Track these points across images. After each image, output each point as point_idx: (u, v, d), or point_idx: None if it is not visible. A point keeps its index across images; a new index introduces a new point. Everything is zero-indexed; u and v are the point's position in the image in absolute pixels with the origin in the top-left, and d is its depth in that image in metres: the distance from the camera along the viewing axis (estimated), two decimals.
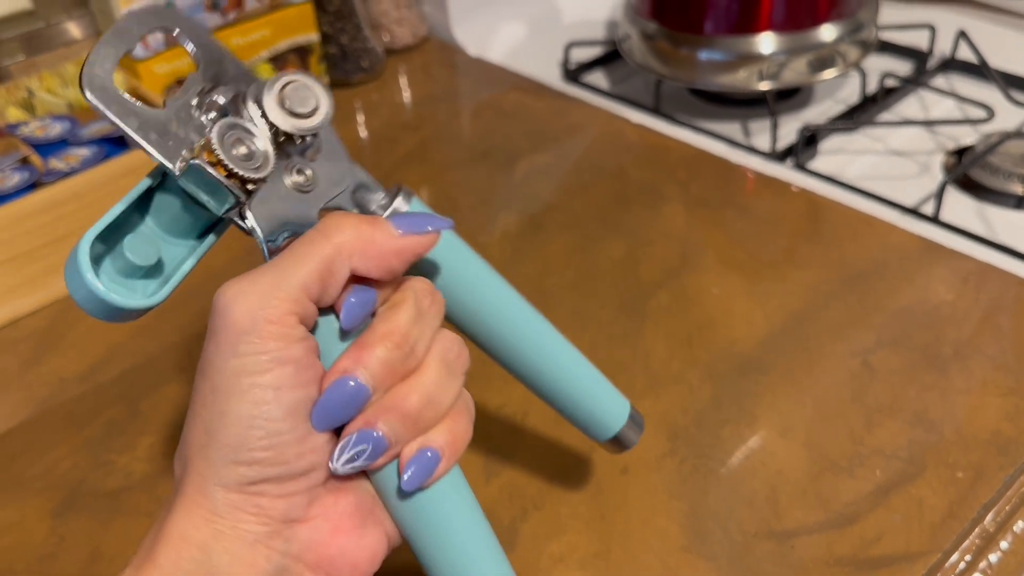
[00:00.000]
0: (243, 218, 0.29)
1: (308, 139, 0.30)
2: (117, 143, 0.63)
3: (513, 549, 0.42)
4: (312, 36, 0.78)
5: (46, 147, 0.62)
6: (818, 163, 0.68)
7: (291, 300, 0.26)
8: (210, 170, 0.28)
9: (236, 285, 0.26)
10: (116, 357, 0.55)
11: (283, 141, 0.30)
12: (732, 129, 0.73)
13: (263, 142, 0.29)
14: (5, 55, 0.72)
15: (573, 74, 0.82)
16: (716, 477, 0.45)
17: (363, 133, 0.77)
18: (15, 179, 0.58)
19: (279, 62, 0.76)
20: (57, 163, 0.60)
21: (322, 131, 0.31)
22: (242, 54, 0.73)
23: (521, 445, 0.47)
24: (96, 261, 0.29)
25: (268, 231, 0.29)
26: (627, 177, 0.67)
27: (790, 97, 0.77)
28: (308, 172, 0.31)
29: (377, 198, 0.33)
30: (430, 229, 0.30)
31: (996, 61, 0.74)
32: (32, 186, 0.58)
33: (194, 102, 0.29)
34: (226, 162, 0.28)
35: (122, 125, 0.27)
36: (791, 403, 0.48)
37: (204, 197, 0.29)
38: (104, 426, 0.51)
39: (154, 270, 0.31)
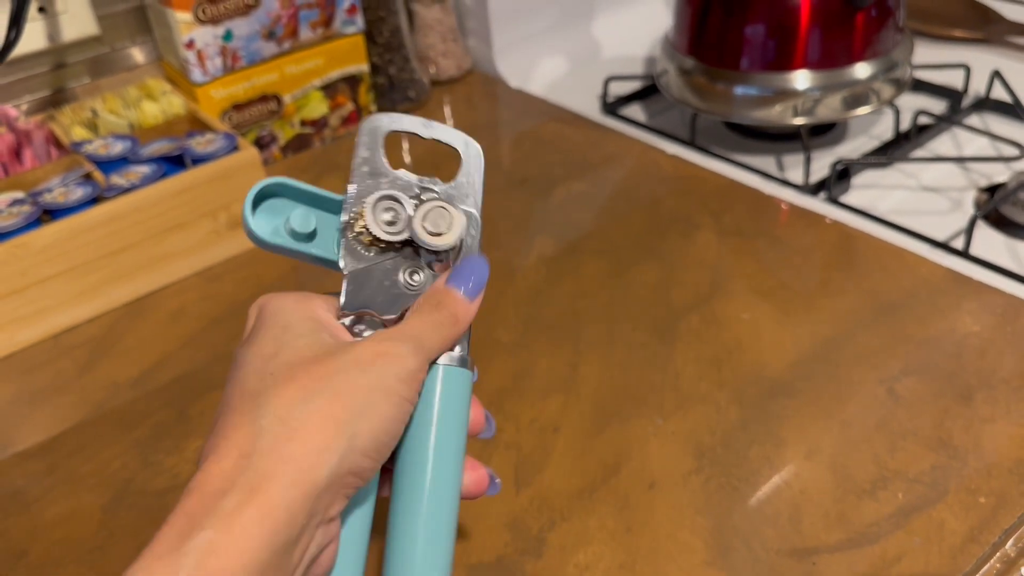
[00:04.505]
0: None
1: (439, 253, 0.35)
2: (174, 162, 0.66)
3: (540, 558, 0.44)
4: (362, 67, 0.81)
5: (108, 164, 0.65)
6: (851, 197, 0.69)
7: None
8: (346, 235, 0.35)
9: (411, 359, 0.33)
10: (167, 364, 0.58)
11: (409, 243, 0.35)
12: (766, 162, 0.74)
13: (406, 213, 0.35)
14: (72, 78, 0.76)
15: (611, 107, 0.84)
16: (741, 495, 0.46)
17: (407, 159, 0.79)
18: (78, 193, 0.62)
19: (330, 91, 0.79)
20: (118, 179, 0.63)
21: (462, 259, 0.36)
22: (295, 82, 0.77)
23: (551, 458, 0.49)
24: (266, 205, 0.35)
25: (350, 300, 0.34)
26: (661, 206, 0.69)
27: (824, 132, 0.78)
28: (420, 278, 0.35)
29: None
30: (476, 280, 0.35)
31: None
32: (94, 200, 0.62)
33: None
34: (369, 226, 0.34)
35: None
36: (817, 427, 0.49)
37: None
38: (153, 429, 0.53)
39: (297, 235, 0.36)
